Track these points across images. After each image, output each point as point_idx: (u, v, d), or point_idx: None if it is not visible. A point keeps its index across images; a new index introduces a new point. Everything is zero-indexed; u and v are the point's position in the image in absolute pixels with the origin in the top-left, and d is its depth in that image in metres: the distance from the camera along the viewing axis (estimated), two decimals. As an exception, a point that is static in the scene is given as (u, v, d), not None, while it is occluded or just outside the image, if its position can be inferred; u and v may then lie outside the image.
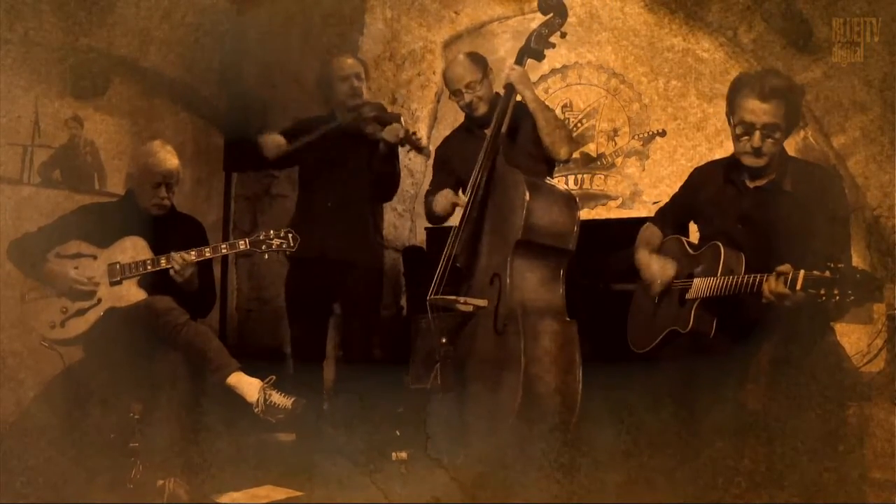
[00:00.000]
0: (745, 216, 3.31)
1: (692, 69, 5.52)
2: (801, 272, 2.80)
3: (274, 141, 4.40)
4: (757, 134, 3.18)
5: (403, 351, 4.93)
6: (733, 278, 3.11)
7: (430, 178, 4.48)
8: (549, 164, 4.09)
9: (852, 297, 2.70)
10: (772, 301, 2.91)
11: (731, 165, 3.38)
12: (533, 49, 4.01)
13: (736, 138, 3.27)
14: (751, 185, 3.32)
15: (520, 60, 4.04)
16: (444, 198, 4.10)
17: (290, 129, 4.49)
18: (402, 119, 4.36)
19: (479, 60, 4.13)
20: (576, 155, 5.73)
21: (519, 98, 4.02)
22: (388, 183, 4.52)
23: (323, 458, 4.04)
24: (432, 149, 4.58)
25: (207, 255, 3.89)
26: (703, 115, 5.57)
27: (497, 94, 4.12)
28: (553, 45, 4.02)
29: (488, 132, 3.96)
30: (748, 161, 3.24)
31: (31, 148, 4.86)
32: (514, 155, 3.94)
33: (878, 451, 3.08)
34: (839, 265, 2.73)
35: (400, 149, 4.53)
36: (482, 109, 4.08)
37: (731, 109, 3.29)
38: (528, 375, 3.45)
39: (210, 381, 3.72)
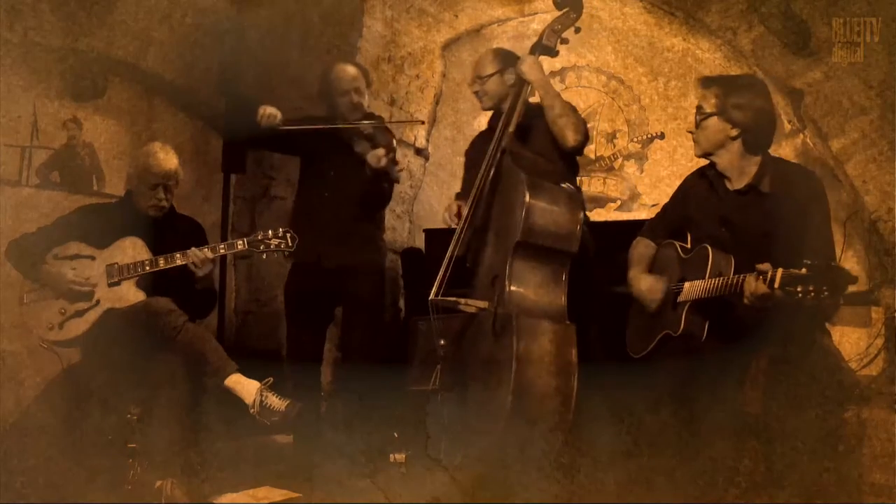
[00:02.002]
0: (725, 219, 3.34)
1: (692, 69, 5.52)
2: (780, 270, 2.83)
3: (272, 111, 4.33)
4: (694, 118, 3.41)
5: (402, 352, 4.93)
6: (720, 280, 3.14)
7: (439, 169, 4.46)
8: (569, 163, 4.05)
9: (826, 293, 2.72)
10: (753, 303, 2.94)
11: (709, 170, 3.46)
12: (544, 45, 3.97)
13: None
14: (730, 188, 3.36)
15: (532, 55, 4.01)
16: (448, 208, 4.07)
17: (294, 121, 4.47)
18: (394, 142, 4.32)
19: (501, 57, 4.16)
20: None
21: (532, 96, 3.99)
22: (374, 201, 4.47)
23: (322, 459, 4.03)
24: (432, 149, 4.55)
25: (222, 251, 3.90)
26: (703, 116, 5.56)
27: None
28: (566, 41, 4.00)
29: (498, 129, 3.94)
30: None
31: (30, 149, 4.86)
32: (526, 154, 3.88)
33: (878, 452, 3.08)
34: (814, 262, 2.75)
35: (397, 151, 4.51)
36: (486, 104, 4.15)
37: None
38: (520, 377, 3.42)
39: (208, 383, 3.71)
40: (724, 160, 3.35)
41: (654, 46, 5.64)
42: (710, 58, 5.26)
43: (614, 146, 5.92)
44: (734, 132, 3.29)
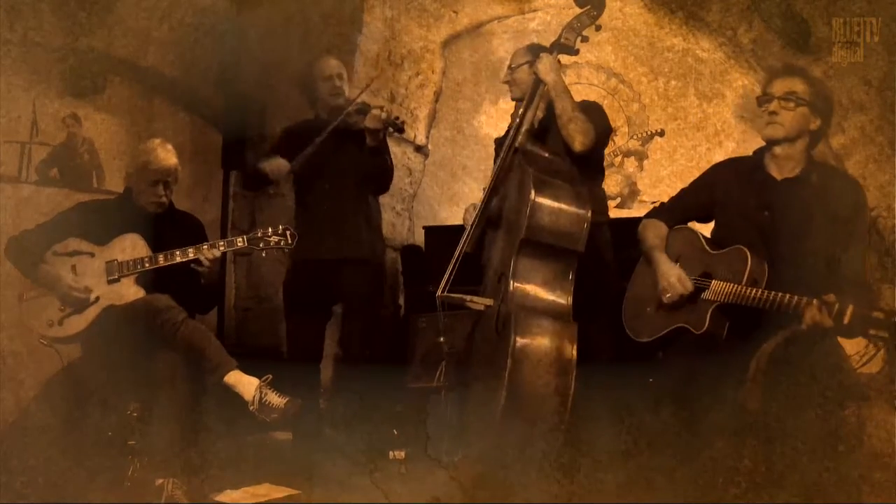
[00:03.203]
0: (769, 205, 3.32)
1: (692, 69, 5.52)
2: (850, 307, 2.84)
3: (278, 165, 4.40)
4: (775, 102, 3.28)
5: (401, 350, 4.93)
6: (763, 293, 3.08)
7: (438, 169, 4.46)
8: (588, 165, 4.01)
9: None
10: (813, 330, 2.93)
11: (756, 159, 3.42)
12: (563, 44, 3.93)
13: (762, 119, 3.37)
14: (778, 177, 3.34)
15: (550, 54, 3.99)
16: (467, 213, 4.04)
17: (282, 143, 4.50)
18: (384, 108, 4.36)
19: (533, 50, 4.16)
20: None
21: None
22: (379, 176, 4.51)
23: (321, 457, 4.03)
24: (432, 148, 4.54)
25: (222, 248, 3.90)
26: (703, 115, 5.57)
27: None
28: (586, 39, 3.96)
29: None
30: (767, 132, 3.32)
31: (30, 146, 4.86)
32: (540, 153, 3.86)
33: (878, 451, 3.08)
34: (892, 308, 2.76)
35: (397, 148, 4.52)
36: (514, 93, 4.16)
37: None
38: (515, 375, 3.41)
39: (208, 380, 3.71)
40: (787, 150, 3.33)
41: (654, 46, 5.64)
42: (711, 58, 5.26)
43: (614, 143, 5.91)
44: (815, 125, 3.30)
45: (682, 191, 3.71)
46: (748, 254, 3.21)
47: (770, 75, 3.44)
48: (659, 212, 3.73)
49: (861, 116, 4.35)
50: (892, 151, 4.22)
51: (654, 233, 3.63)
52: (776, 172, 3.36)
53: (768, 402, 2.96)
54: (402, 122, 4.43)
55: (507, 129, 4.35)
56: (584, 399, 3.45)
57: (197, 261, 3.86)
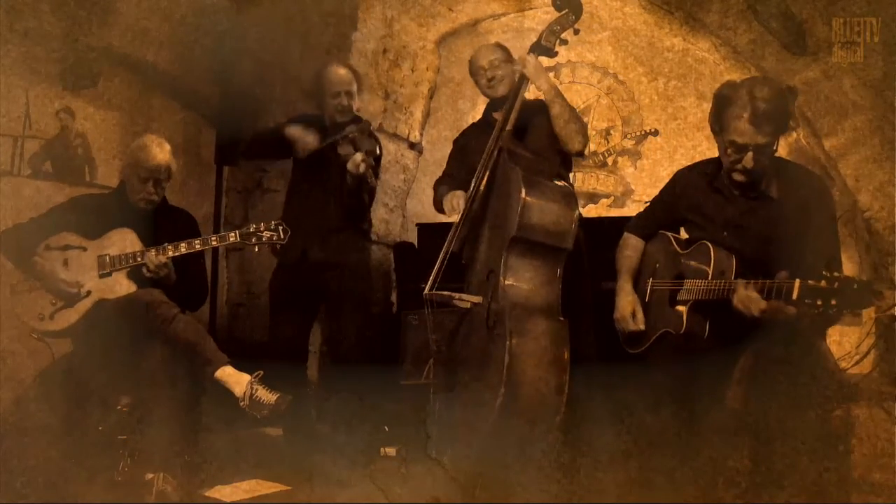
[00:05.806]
0: (731, 223, 3.28)
1: (692, 69, 5.53)
2: (797, 282, 2.79)
3: (310, 140, 4.31)
4: (749, 155, 3.11)
5: (393, 347, 4.91)
6: (725, 283, 3.10)
7: (438, 168, 4.43)
8: (564, 161, 4.06)
9: (849, 308, 2.70)
10: (749, 310, 2.93)
11: (716, 172, 3.34)
12: (543, 46, 3.96)
13: (724, 153, 3.20)
14: (737, 192, 3.28)
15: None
16: (454, 198, 3.99)
17: (296, 120, 4.45)
18: (377, 148, 4.28)
19: (504, 49, 4.15)
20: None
21: (530, 91, 3.99)
22: (355, 210, 4.41)
23: (315, 455, 4.03)
24: (430, 147, 4.50)
25: (214, 243, 3.88)
26: (703, 115, 5.51)
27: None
28: (565, 42, 3.98)
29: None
30: (738, 177, 3.20)
31: (22, 139, 4.83)
32: (522, 153, 3.88)
33: (878, 451, 3.09)
34: (835, 274, 2.71)
35: (392, 145, 4.49)
36: (501, 91, 4.07)
37: (720, 126, 3.19)
38: (512, 373, 3.41)
39: (199, 375, 3.70)
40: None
41: (653, 46, 5.64)
42: (711, 58, 5.26)
43: (608, 143, 5.92)
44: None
45: (652, 202, 3.75)
46: (711, 248, 3.23)
47: (727, 109, 3.14)
48: (636, 225, 3.77)
49: (860, 117, 4.37)
50: (893, 151, 4.23)
51: (628, 252, 3.69)
52: (735, 190, 3.28)
53: (768, 402, 2.96)
54: (376, 181, 4.38)
55: (466, 128, 4.37)
56: (584, 399, 3.46)
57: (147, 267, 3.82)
